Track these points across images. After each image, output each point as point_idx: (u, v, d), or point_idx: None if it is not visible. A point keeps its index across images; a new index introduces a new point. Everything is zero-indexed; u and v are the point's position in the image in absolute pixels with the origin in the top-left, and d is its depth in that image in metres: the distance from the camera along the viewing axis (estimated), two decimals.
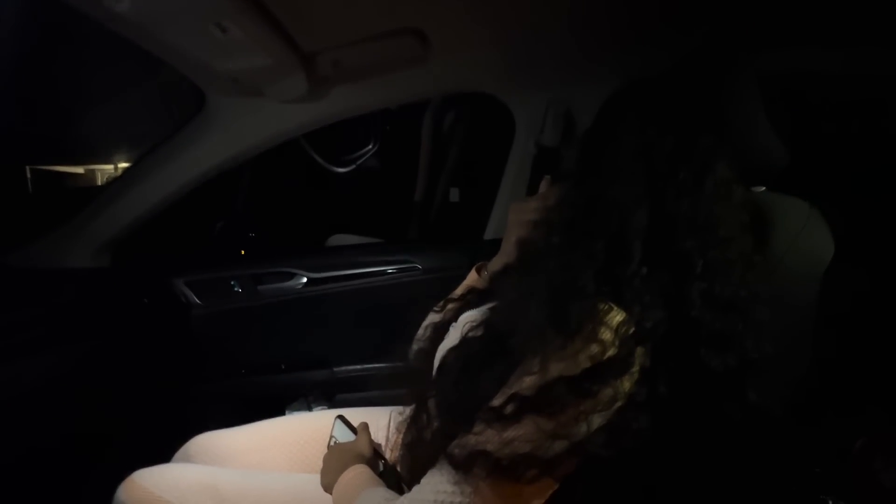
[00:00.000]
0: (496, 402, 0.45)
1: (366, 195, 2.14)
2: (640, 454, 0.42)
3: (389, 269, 1.25)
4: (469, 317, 0.64)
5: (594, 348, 0.43)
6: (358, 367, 1.22)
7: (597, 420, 0.42)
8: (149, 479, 0.72)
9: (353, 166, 2.06)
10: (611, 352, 0.43)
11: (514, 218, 0.68)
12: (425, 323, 0.77)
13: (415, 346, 0.78)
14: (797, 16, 0.77)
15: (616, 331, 0.44)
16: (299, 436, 0.85)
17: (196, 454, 0.84)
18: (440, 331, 0.71)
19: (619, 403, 0.43)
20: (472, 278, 0.75)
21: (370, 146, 2.07)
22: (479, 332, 0.58)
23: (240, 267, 1.25)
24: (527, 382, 0.44)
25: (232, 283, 1.24)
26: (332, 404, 1.23)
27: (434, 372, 0.62)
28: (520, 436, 0.42)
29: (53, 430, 0.93)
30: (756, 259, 0.50)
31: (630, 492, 0.43)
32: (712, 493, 0.48)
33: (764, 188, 0.64)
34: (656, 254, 0.47)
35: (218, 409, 1.23)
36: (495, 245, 1.07)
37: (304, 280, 1.25)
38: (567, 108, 0.97)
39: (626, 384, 0.43)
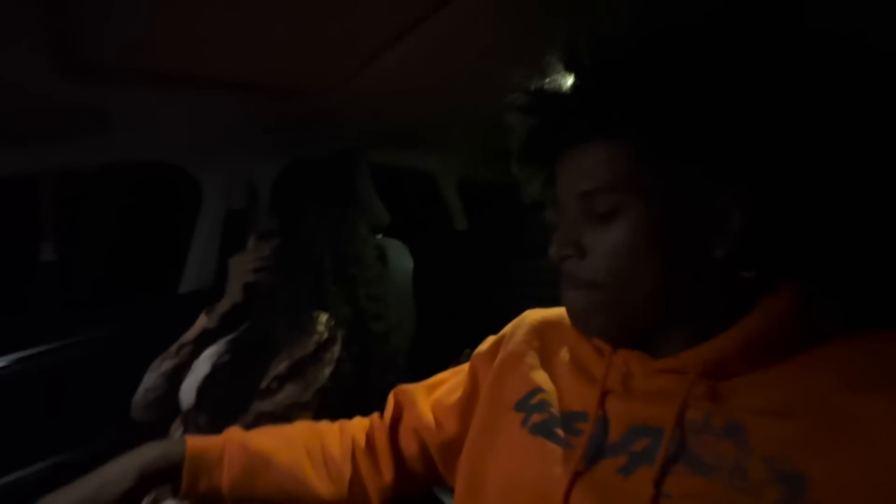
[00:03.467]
0: (264, 384, 0.71)
1: None
2: (351, 384, 0.79)
3: (49, 347, 1.08)
4: (213, 350, 0.83)
5: (316, 336, 0.77)
6: (26, 471, 1.00)
7: (326, 371, 0.75)
8: None
9: None
10: (326, 335, 0.78)
11: (236, 269, 0.91)
12: (159, 372, 0.86)
13: (149, 396, 0.86)
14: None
15: (326, 323, 0.79)
16: None
17: None
18: (180, 372, 0.85)
19: (335, 360, 0.78)
20: (202, 322, 0.92)
21: None
22: (227, 358, 0.79)
23: None
24: (281, 367, 0.72)
25: None
26: None
27: (193, 400, 0.77)
28: (286, 396, 0.70)
29: None
30: (384, 273, 0.97)
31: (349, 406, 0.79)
32: None
33: (381, 234, 1.16)
34: (339, 276, 0.86)
35: None
36: (190, 297, 1.19)
37: None
38: (249, 178, 1.24)
39: (336, 350, 0.79)
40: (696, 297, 0.41)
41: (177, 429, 0.81)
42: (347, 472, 0.57)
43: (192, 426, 0.74)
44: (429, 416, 0.58)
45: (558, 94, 0.42)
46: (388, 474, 0.58)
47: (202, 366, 0.81)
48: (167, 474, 0.49)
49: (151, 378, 0.86)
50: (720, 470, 0.35)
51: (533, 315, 0.57)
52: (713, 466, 0.35)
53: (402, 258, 1.07)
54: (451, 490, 0.58)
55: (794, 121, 0.37)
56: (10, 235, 1.67)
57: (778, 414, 0.35)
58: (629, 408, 0.42)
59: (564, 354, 0.50)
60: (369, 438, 0.60)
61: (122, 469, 0.47)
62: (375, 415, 0.64)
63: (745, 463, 0.34)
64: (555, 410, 0.46)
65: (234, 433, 0.55)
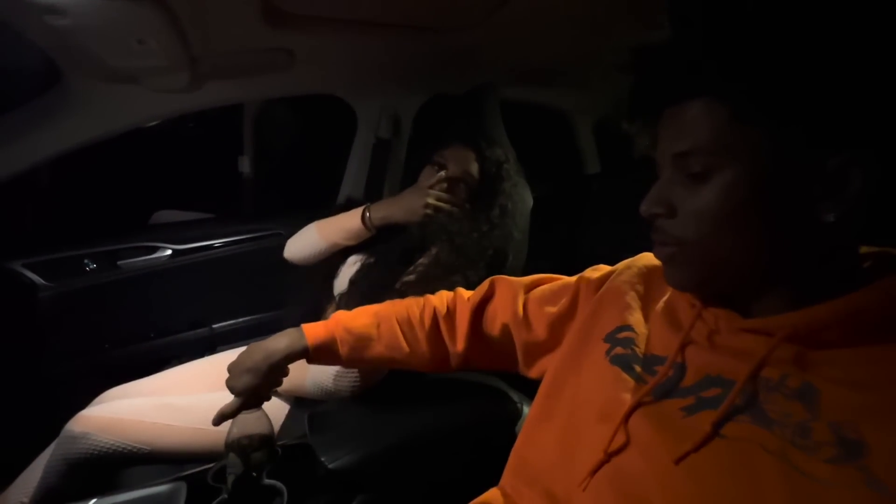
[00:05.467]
0: (395, 285, 0.88)
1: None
2: None
3: (252, 236, 1.46)
4: (361, 254, 1.02)
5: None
6: (237, 320, 1.42)
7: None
8: (99, 411, 0.86)
9: None
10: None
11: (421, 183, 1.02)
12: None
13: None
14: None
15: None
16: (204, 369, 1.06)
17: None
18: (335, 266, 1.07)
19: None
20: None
21: None
22: (372, 260, 0.98)
23: (89, 245, 1.27)
24: (410, 277, 0.88)
25: (85, 260, 1.26)
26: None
27: (345, 288, 0.98)
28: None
29: None
30: (520, 207, 1.04)
31: None
32: None
33: None
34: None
35: (87, 383, 1.26)
36: (345, 208, 1.42)
37: (169, 252, 1.36)
38: (395, 111, 1.39)
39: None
40: (797, 263, 0.40)
41: (332, 308, 1.04)
42: (428, 338, 0.69)
43: (342, 307, 0.95)
44: (521, 312, 0.65)
45: (658, 48, 0.42)
46: (461, 344, 0.69)
47: (354, 263, 1.01)
48: (299, 356, 0.67)
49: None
50: (784, 426, 0.37)
51: (646, 259, 0.59)
52: (777, 422, 0.37)
53: (522, 195, 1.12)
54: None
55: None
56: (218, 153, 2.16)
57: (858, 386, 0.35)
58: (708, 358, 0.44)
59: (662, 304, 0.53)
60: (450, 308, 0.71)
61: (267, 352, 0.66)
62: (459, 289, 0.74)
63: (811, 424, 0.35)
64: (639, 350, 0.50)
65: (340, 317, 0.70)
